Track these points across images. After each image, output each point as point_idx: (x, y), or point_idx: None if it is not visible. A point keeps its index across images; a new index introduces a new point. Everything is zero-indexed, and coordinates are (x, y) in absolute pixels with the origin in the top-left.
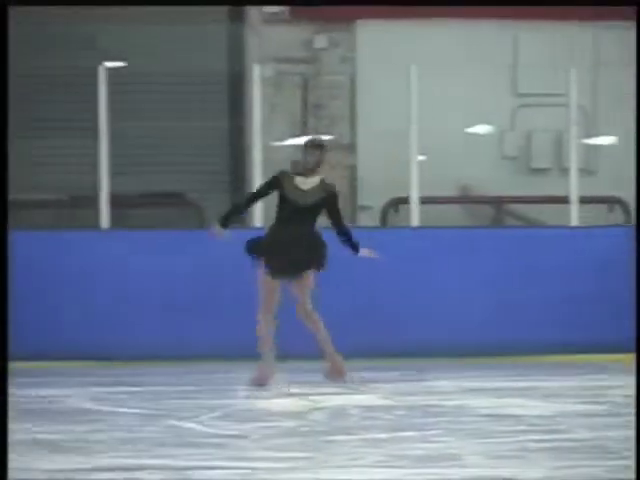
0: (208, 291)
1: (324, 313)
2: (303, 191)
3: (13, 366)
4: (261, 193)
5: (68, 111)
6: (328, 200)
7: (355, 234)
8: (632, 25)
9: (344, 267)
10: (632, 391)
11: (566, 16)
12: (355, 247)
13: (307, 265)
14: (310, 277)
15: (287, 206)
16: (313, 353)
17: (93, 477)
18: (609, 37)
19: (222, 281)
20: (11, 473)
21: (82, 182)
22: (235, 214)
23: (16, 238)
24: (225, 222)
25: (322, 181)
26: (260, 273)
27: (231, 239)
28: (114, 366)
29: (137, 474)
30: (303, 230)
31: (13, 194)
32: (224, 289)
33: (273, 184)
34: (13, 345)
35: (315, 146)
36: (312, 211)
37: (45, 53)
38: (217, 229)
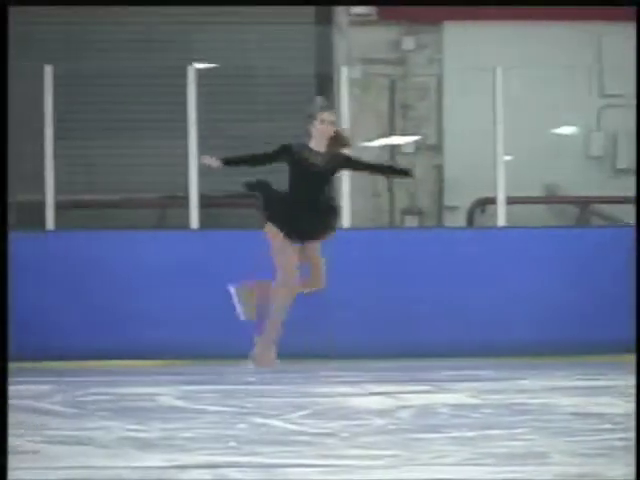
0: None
1: (412, 310)
2: (317, 155)
3: (105, 364)
4: (271, 156)
5: (158, 112)
6: (345, 161)
7: (442, 235)
8: None
9: (431, 265)
10: None
11: None
12: (404, 172)
13: (322, 231)
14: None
15: (299, 171)
16: (394, 352)
17: (183, 474)
18: None
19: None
20: (102, 471)
21: (172, 182)
22: (243, 161)
23: (107, 237)
24: (230, 161)
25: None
26: (275, 240)
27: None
28: (200, 364)
29: (226, 471)
30: (318, 195)
31: (102, 195)
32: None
33: (282, 152)
34: (105, 344)
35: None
36: (325, 175)
37: (135, 54)
38: (213, 160)
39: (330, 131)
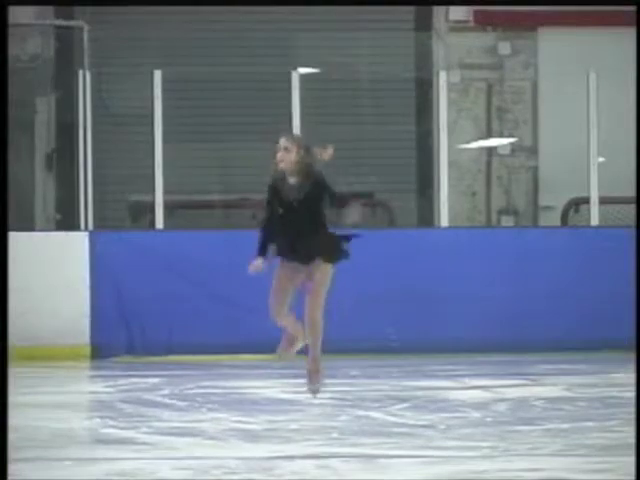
0: (400, 287)
1: (509, 307)
2: (292, 186)
3: (212, 358)
4: (272, 205)
5: (262, 115)
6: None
7: (537, 233)
8: None
9: (526, 264)
10: None
11: None
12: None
13: (317, 253)
14: (323, 270)
15: (282, 205)
16: (487, 346)
17: (288, 464)
18: None
19: (413, 276)
20: (211, 461)
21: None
22: (269, 240)
23: (211, 237)
24: (263, 251)
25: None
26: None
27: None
28: (302, 359)
29: (330, 462)
30: (303, 222)
31: (207, 195)
32: (416, 285)
33: (271, 194)
34: (214, 339)
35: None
36: (306, 205)
37: (241, 59)
38: (257, 262)
39: (286, 157)
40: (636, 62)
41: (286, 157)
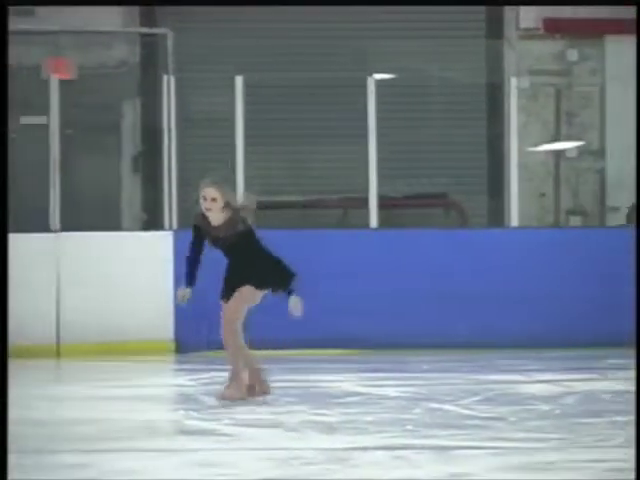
0: (471, 284)
1: (577, 305)
2: (215, 227)
3: (290, 353)
4: (196, 242)
5: (340, 119)
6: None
7: (604, 234)
8: None
9: (594, 263)
10: None
11: None
12: (290, 277)
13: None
14: (245, 291)
15: (213, 242)
16: (561, 342)
17: (364, 456)
18: None
19: (483, 275)
20: (290, 452)
21: (353, 185)
22: (195, 268)
23: (293, 236)
24: (191, 280)
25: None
26: None
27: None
28: (379, 354)
29: (404, 453)
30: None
31: (287, 196)
32: (486, 283)
33: (197, 233)
34: (282, 335)
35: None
36: (233, 244)
37: (318, 65)
38: (182, 292)
39: (213, 206)
40: (636, 62)
41: (214, 207)
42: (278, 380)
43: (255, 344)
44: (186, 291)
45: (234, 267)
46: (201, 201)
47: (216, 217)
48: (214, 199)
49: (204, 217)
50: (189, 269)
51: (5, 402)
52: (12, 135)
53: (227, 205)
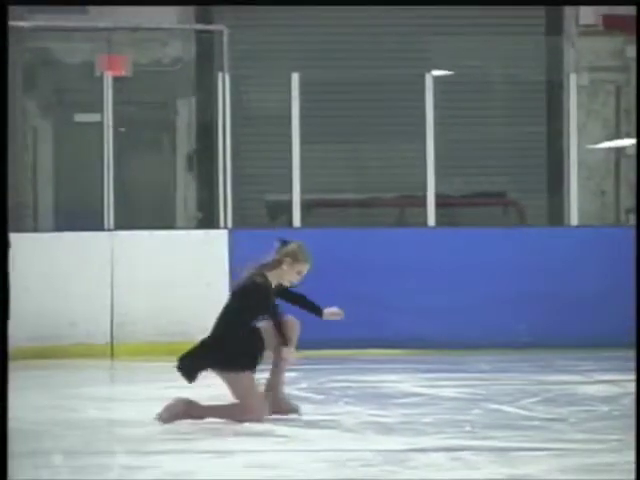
0: (531, 284)
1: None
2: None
3: (341, 354)
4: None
5: (397, 116)
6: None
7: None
8: None
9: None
10: None
11: None
12: (317, 311)
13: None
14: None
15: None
16: (620, 342)
17: (422, 457)
18: None
19: (543, 274)
20: (348, 454)
21: (410, 183)
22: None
23: (350, 234)
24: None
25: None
26: None
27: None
28: (438, 354)
29: (462, 454)
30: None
31: (345, 194)
32: (546, 282)
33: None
34: (339, 335)
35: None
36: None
37: (375, 62)
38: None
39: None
40: (636, 62)
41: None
42: (336, 380)
43: (312, 345)
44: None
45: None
46: (293, 274)
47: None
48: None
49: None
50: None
51: (5, 406)
52: (65, 133)
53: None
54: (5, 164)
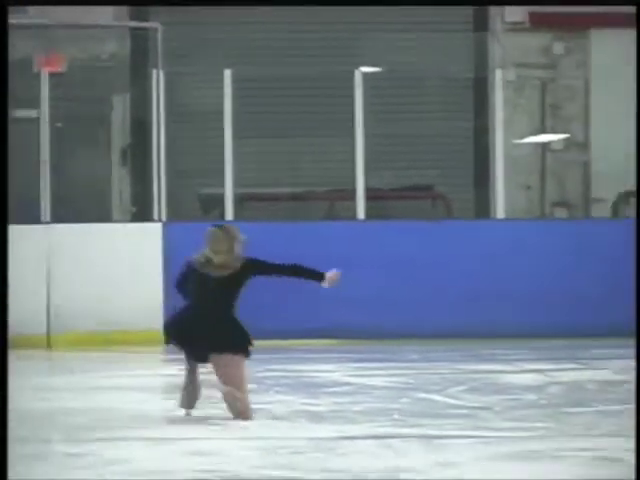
0: (458, 276)
1: (561, 295)
2: (215, 265)
3: (276, 344)
4: (182, 280)
5: (327, 112)
6: (248, 268)
7: (589, 225)
8: None
9: (579, 253)
10: None
11: None
12: (318, 276)
13: (226, 347)
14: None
15: (197, 279)
16: (546, 332)
17: (352, 445)
18: None
19: (470, 266)
20: (280, 442)
21: (341, 177)
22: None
23: (281, 228)
24: None
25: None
26: None
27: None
28: (368, 344)
29: (391, 442)
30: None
31: (276, 188)
32: (472, 274)
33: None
34: (276, 326)
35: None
36: (226, 286)
37: (306, 58)
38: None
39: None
40: (636, 61)
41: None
42: (270, 370)
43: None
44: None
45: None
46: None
47: (219, 264)
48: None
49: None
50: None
51: (5, 403)
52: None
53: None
54: (5, 161)
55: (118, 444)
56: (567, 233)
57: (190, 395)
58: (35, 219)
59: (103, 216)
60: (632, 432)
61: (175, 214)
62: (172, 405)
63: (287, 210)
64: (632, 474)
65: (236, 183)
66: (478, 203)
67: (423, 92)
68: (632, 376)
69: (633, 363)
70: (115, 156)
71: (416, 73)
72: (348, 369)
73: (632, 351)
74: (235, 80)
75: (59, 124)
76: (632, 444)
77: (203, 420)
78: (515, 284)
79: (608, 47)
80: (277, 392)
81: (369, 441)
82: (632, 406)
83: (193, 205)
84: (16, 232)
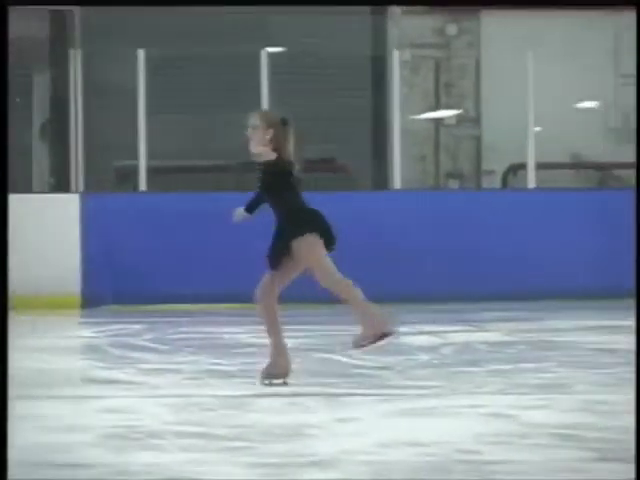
0: (358, 243)
1: (455, 260)
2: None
3: (186, 308)
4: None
5: (235, 89)
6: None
7: (480, 195)
8: None
9: (470, 222)
10: None
11: None
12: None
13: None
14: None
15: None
16: (435, 296)
17: (260, 402)
18: None
19: (370, 233)
20: (191, 399)
21: (248, 151)
22: (259, 202)
23: (191, 198)
24: (251, 209)
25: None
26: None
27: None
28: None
29: (297, 399)
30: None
31: (187, 161)
32: (372, 240)
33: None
34: (185, 291)
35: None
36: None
37: (216, 38)
38: (239, 213)
39: (253, 136)
40: (636, 61)
41: (253, 136)
42: (179, 332)
43: (158, 299)
44: (241, 212)
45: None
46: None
47: (255, 148)
48: (254, 127)
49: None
50: (255, 198)
51: (5, 401)
52: None
53: (270, 138)
54: (5, 158)
55: (37, 402)
56: (459, 203)
57: (281, 362)
58: None
59: (23, 187)
60: (520, 390)
61: (92, 186)
62: (88, 366)
63: (198, 181)
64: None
65: (149, 156)
66: (376, 175)
67: (325, 71)
68: (520, 337)
69: (520, 325)
70: (35, 131)
71: (319, 54)
72: (253, 331)
73: (519, 314)
74: (148, 59)
75: None
76: (519, 401)
77: (118, 380)
78: (413, 250)
79: (497, 28)
80: (188, 353)
81: (275, 398)
82: (520, 366)
83: (109, 177)
84: None
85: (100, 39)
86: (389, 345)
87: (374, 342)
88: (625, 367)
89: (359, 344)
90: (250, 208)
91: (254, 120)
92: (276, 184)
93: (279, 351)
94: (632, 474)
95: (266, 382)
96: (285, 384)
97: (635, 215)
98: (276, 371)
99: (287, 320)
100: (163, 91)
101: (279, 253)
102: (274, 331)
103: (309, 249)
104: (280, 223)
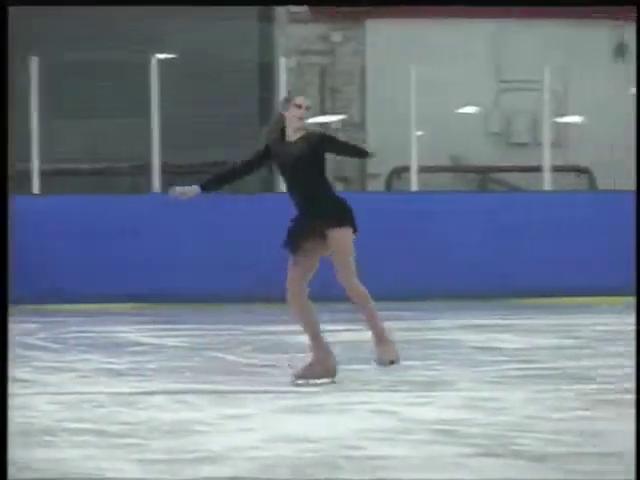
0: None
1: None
2: (288, 145)
3: (81, 308)
4: (253, 162)
5: (126, 94)
6: (320, 144)
7: (364, 197)
8: (601, 24)
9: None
10: (605, 327)
11: (541, 15)
12: (364, 152)
13: (328, 224)
14: (339, 238)
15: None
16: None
17: (150, 399)
18: (582, 33)
19: (263, 236)
20: (84, 396)
21: (139, 153)
22: (224, 180)
23: (85, 201)
24: (209, 186)
25: (308, 133)
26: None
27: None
28: (161, 307)
29: (185, 397)
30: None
31: (79, 164)
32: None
33: (263, 152)
34: (82, 290)
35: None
36: (304, 163)
37: (106, 44)
38: (184, 189)
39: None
40: (636, 61)
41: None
42: (71, 331)
43: (54, 299)
44: (193, 189)
45: (306, 192)
46: (294, 110)
47: (295, 129)
48: (307, 108)
49: (276, 141)
50: (222, 176)
51: (5, 403)
52: None
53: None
54: (5, 157)
55: None
56: None
57: (326, 362)
58: None
59: None
60: (405, 387)
61: None
62: None
63: (90, 184)
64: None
65: (42, 159)
66: (263, 179)
67: (213, 77)
68: (405, 336)
69: (405, 324)
70: None
71: (207, 59)
72: (143, 330)
73: (404, 314)
74: (42, 66)
75: None
76: (405, 398)
77: (13, 378)
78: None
79: (382, 35)
80: (80, 351)
81: (166, 396)
82: (405, 363)
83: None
84: None
85: None
86: (275, 344)
87: (386, 365)
88: (509, 364)
89: (384, 361)
90: (214, 184)
91: (307, 101)
92: (313, 160)
93: (324, 352)
94: (545, 471)
95: (300, 382)
96: (334, 382)
97: (635, 215)
98: (320, 372)
99: (174, 320)
100: (57, 97)
101: (301, 237)
102: (313, 333)
103: (348, 242)
104: (309, 206)
